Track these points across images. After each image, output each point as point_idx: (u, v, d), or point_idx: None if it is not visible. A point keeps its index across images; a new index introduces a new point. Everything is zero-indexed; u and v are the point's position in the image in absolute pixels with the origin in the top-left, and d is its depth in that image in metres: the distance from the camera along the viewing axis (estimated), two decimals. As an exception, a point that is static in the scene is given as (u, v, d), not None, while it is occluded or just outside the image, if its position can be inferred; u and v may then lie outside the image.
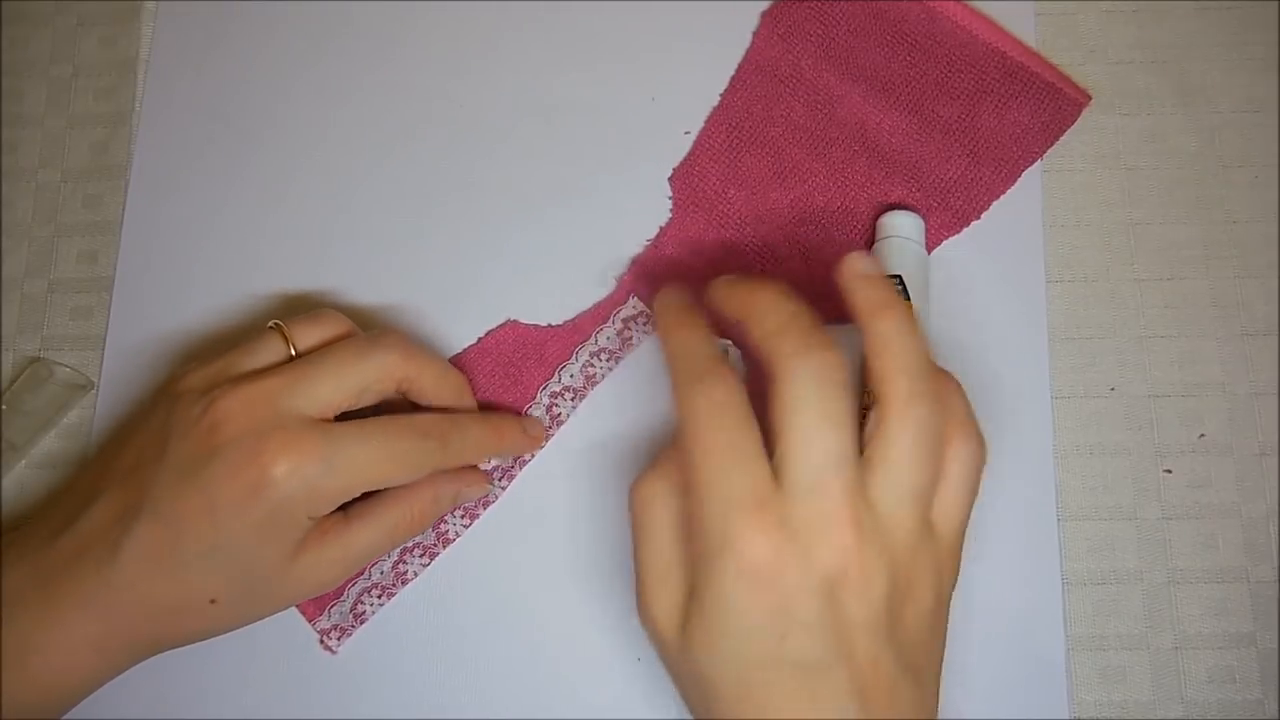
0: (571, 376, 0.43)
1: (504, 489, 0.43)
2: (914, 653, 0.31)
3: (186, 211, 0.47)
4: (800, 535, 0.30)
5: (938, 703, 0.33)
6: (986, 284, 0.43)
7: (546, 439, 0.43)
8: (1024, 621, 0.40)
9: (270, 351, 0.38)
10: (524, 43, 0.48)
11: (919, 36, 0.45)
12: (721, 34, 0.46)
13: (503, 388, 0.43)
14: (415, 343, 0.39)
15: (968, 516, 0.33)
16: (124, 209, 0.47)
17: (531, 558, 0.42)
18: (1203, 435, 0.42)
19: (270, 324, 0.39)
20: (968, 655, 0.40)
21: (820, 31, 0.46)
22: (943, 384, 0.33)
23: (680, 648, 0.31)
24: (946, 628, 0.34)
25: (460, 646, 0.41)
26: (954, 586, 0.34)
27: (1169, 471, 0.42)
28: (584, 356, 0.43)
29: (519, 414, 0.43)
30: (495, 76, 0.47)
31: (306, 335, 0.39)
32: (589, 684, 0.41)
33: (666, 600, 0.32)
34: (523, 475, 0.43)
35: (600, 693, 0.41)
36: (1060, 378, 0.43)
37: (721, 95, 0.46)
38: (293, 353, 0.38)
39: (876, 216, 0.43)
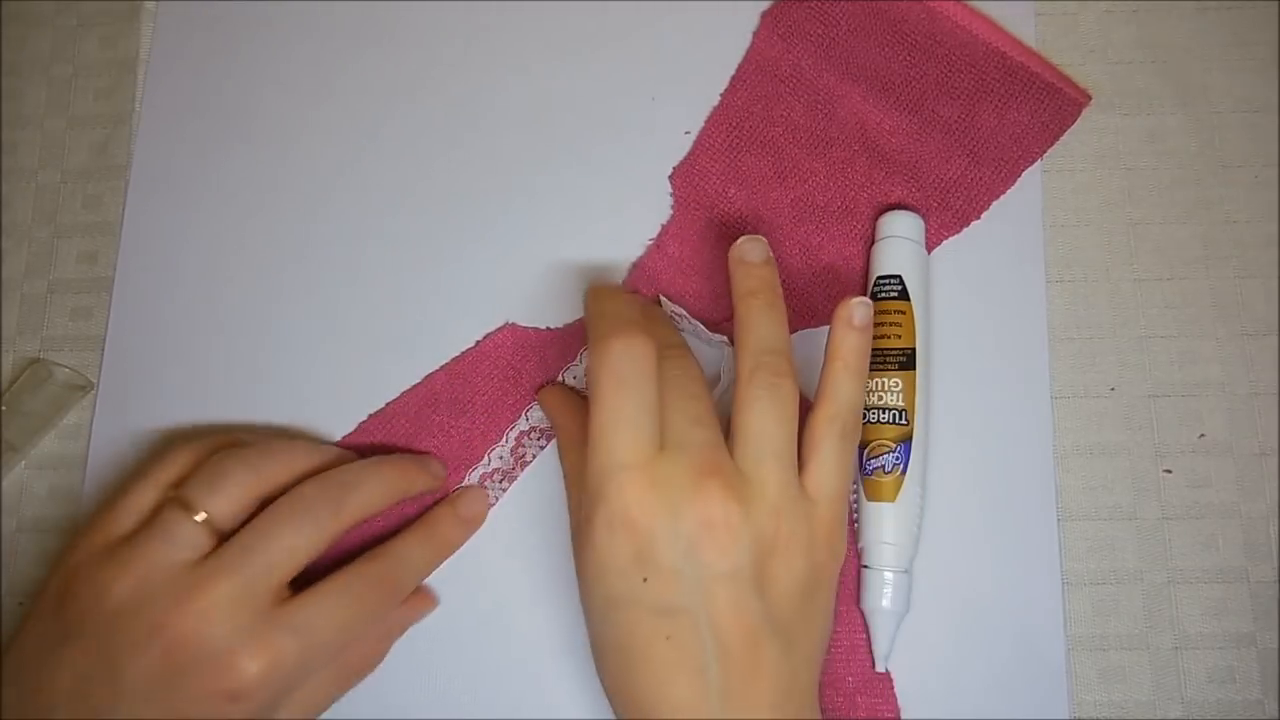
0: (575, 378, 0.43)
1: (504, 490, 0.43)
2: (782, 613, 0.33)
3: (186, 211, 0.47)
4: (669, 492, 0.32)
5: (812, 682, 0.34)
6: (986, 284, 0.43)
7: (548, 439, 0.43)
8: (1024, 621, 0.40)
9: (188, 538, 0.36)
10: (524, 43, 0.48)
11: (919, 36, 0.45)
12: (721, 34, 0.46)
13: (502, 391, 0.43)
14: (334, 475, 0.39)
15: (842, 489, 0.35)
16: (124, 209, 0.47)
17: (531, 560, 0.42)
18: (1203, 435, 0.42)
19: (170, 495, 0.37)
20: (968, 655, 0.40)
21: (820, 31, 0.46)
22: (781, 367, 0.35)
23: (578, 588, 0.35)
24: (827, 609, 0.35)
25: (461, 649, 0.41)
26: (835, 563, 0.35)
27: (1169, 471, 0.42)
28: (587, 360, 0.43)
29: (426, 455, 0.43)
30: (496, 76, 0.47)
31: (216, 503, 0.37)
32: (589, 685, 0.41)
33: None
34: (523, 477, 0.43)
35: (600, 694, 0.40)
36: (1060, 378, 0.43)
37: (721, 95, 0.46)
38: (203, 517, 0.36)
39: (877, 216, 0.43)
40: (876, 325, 0.41)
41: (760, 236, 0.38)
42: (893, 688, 0.40)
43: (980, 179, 0.44)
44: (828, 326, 0.43)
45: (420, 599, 0.41)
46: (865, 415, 0.41)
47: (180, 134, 0.48)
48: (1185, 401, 0.42)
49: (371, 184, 0.47)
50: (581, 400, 0.38)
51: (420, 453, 0.42)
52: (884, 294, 0.42)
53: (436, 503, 0.42)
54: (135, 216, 0.47)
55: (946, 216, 0.44)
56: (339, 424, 0.44)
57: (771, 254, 0.37)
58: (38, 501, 0.45)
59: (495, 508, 0.43)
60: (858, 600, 0.40)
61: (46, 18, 0.50)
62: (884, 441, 0.40)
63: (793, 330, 0.43)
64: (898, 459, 0.40)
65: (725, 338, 0.42)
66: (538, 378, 0.43)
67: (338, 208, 0.46)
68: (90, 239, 0.47)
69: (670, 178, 0.45)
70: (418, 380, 0.44)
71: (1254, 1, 0.46)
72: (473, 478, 0.43)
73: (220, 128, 0.48)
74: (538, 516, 0.42)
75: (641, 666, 0.33)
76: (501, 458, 0.43)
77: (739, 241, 0.37)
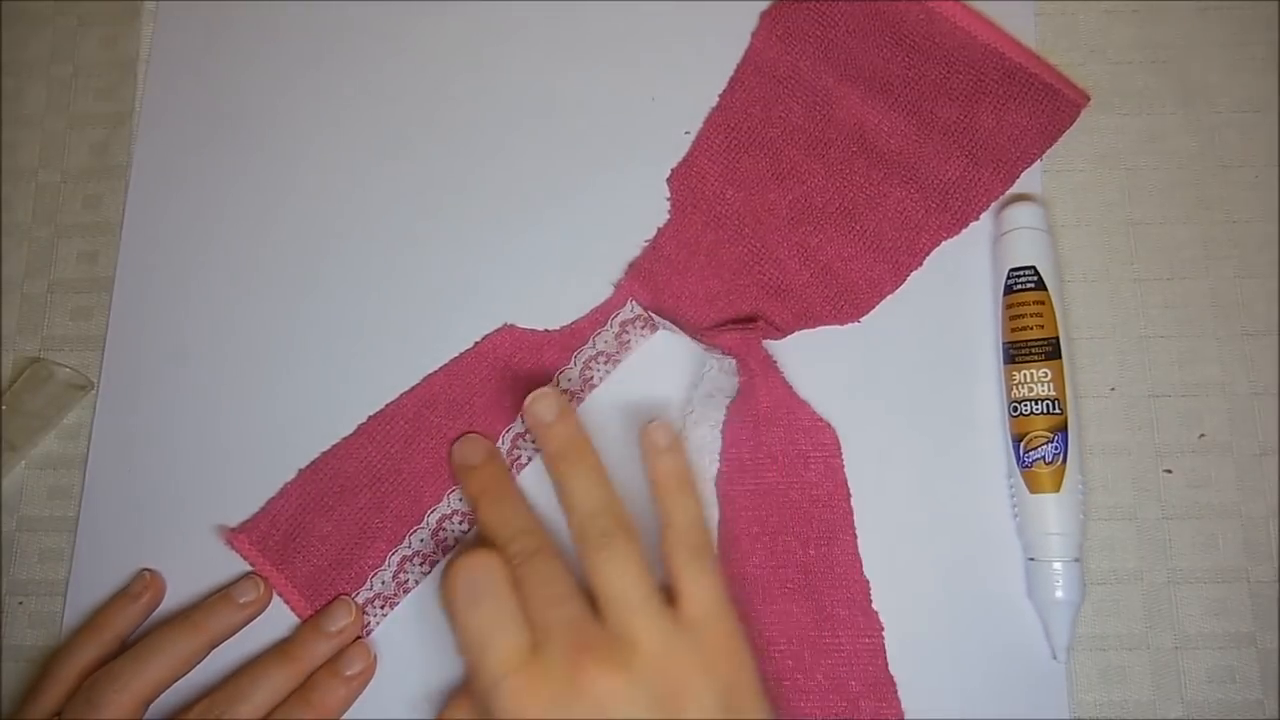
0: (570, 381, 0.43)
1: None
2: None
3: (186, 211, 0.47)
4: (553, 685, 0.32)
5: None
6: (985, 285, 0.43)
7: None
8: (1024, 621, 0.40)
9: None
10: (524, 43, 0.48)
11: (918, 37, 0.45)
12: (721, 34, 0.46)
13: (499, 392, 0.43)
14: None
15: (718, 603, 0.35)
16: (124, 209, 0.47)
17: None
18: (1203, 435, 0.42)
19: None
20: (968, 655, 0.40)
21: (819, 32, 0.45)
22: (608, 525, 0.36)
23: None
24: (763, 708, 0.34)
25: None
26: (746, 671, 0.34)
27: (1169, 471, 0.42)
28: (582, 361, 0.43)
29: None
30: (495, 77, 0.47)
31: None
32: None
33: None
34: (521, 481, 0.43)
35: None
36: (1060, 378, 0.43)
37: (720, 96, 0.46)
38: None
39: (999, 210, 0.43)
40: (1018, 317, 0.41)
41: (548, 390, 0.38)
42: (896, 691, 0.40)
43: (979, 180, 0.44)
44: (826, 328, 0.43)
45: (357, 679, 0.41)
46: (1018, 408, 0.41)
47: (180, 134, 0.48)
48: (1185, 401, 0.42)
49: (371, 184, 0.47)
50: None
51: (330, 602, 0.42)
52: (1020, 286, 0.41)
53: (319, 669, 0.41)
54: (135, 216, 0.47)
55: (945, 218, 0.44)
56: (338, 425, 0.44)
57: (564, 403, 0.38)
58: (38, 501, 0.45)
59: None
60: (870, 602, 0.40)
61: (46, 18, 0.50)
62: (1040, 433, 0.40)
63: (792, 331, 0.43)
64: (1057, 449, 0.40)
65: (719, 348, 0.42)
66: (535, 379, 0.43)
67: (337, 208, 0.46)
68: (90, 239, 0.47)
69: (668, 180, 0.45)
70: (416, 381, 0.44)
71: (1254, 1, 0.46)
72: None
73: (220, 128, 0.48)
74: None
75: None
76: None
77: (528, 401, 0.38)
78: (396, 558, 0.42)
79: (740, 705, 0.34)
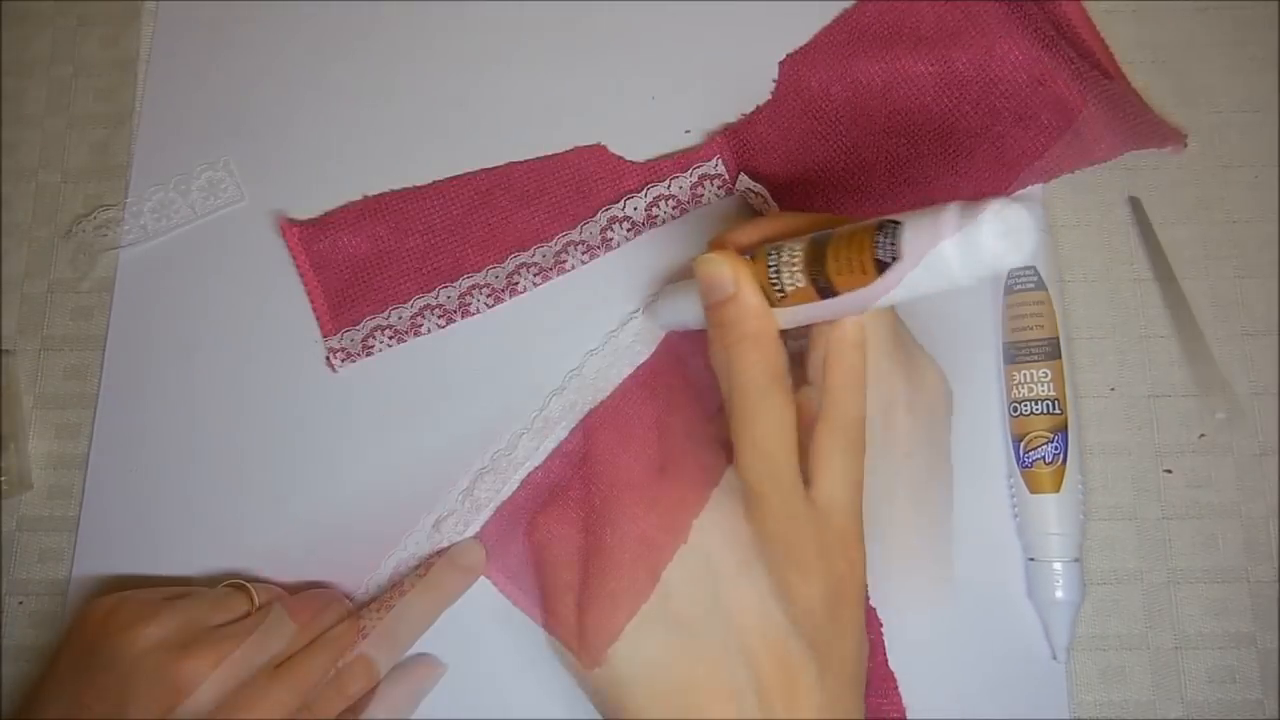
0: (635, 209, 0.44)
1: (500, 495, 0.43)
2: (811, 628, 0.32)
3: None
4: (671, 510, 0.33)
5: (853, 706, 0.33)
6: (985, 285, 0.43)
7: (592, 257, 0.44)
8: (1024, 621, 0.40)
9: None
10: (524, 42, 0.48)
11: (1058, 30, 0.45)
12: (722, 34, 0.47)
13: (569, 200, 0.44)
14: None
15: (853, 501, 0.34)
16: (124, 209, 0.47)
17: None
18: (1203, 435, 0.42)
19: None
20: (969, 655, 0.40)
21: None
22: (779, 391, 0.34)
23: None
24: (859, 630, 0.33)
25: (461, 650, 0.42)
26: (858, 580, 0.34)
27: (1169, 471, 0.42)
28: (651, 195, 0.44)
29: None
30: (495, 76, 0.47)
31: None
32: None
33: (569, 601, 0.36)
34: (517, 482, 0.43)
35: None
36: (1060, 378, 0.43)
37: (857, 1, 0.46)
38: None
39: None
40: (1018, 317, 0.41)
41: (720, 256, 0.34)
42: (897, 687, 0.40)
43: (1079, 143, 0.43)
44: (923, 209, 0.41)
45: (429, 669, 0.41)
46: (1018, 408, 0.41)
47: (180, 134, 0.48)
48: (1185, 401, 0.42)
49: (370, 184, 0.46)
50: None
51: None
52: (1020, 286, 0.42)
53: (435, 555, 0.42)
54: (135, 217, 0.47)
55: (1040, 165, 0.43)
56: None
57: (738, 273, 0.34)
58: (38, 501, 0.45)
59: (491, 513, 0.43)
60: (868, 600, 0.40)
61: (46, 18, 0.50)
62: (1041, 433, 0.40)
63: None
64: (1057, 449, 0.40)
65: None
66: (605, 197, 0.45)
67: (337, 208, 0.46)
68: (90, 239, 0.47)
69: (780, 63, 0.45)
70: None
71: (1254, 1, 0.46)
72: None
73: (220, 128, 0.48)
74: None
75: (679, 696, 0.32)
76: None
77: (701, 265, 0.34)
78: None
79: (841, 610, 0.33)
